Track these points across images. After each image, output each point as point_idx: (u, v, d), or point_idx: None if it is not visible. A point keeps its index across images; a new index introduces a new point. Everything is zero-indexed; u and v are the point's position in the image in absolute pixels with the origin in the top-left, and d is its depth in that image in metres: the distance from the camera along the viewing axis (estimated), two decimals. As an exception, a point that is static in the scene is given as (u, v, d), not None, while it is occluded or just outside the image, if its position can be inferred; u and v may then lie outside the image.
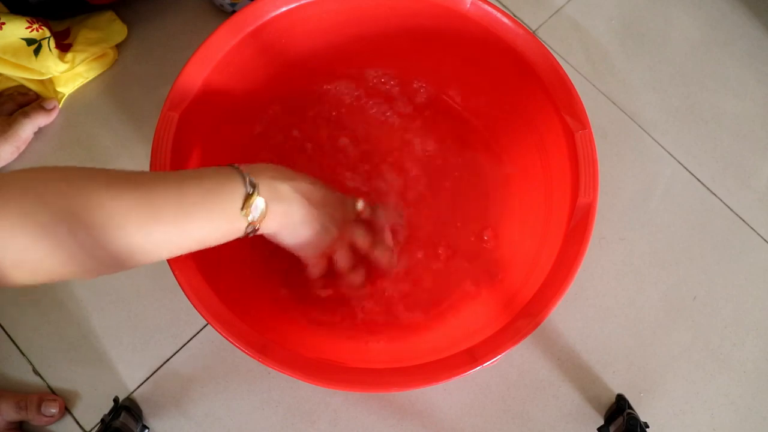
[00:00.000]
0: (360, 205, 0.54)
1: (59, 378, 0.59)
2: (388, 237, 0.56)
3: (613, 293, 0.63)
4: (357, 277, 0.55)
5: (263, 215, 0.43)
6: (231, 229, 0.43)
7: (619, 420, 0.55)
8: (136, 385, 0.59)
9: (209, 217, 0.41)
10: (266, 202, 0.43)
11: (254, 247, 0.60)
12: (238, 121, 0.61)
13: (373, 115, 0.65)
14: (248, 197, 0.42)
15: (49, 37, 0.63)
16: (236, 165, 0.44)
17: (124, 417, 0.54)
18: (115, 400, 0.56)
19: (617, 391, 0.60)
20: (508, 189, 0.63)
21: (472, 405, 0.59)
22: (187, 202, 0.39)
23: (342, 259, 0.53)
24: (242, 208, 0.42)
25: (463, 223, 0.62)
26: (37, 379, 0.59)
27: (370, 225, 0.55)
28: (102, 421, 0.55)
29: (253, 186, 0.43)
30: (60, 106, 0.67)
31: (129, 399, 0.58)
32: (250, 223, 0.43)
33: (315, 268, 0.52)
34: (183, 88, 0.52)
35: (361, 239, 0.53)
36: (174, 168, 0.50)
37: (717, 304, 0.63)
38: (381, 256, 0.55)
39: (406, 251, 0.61)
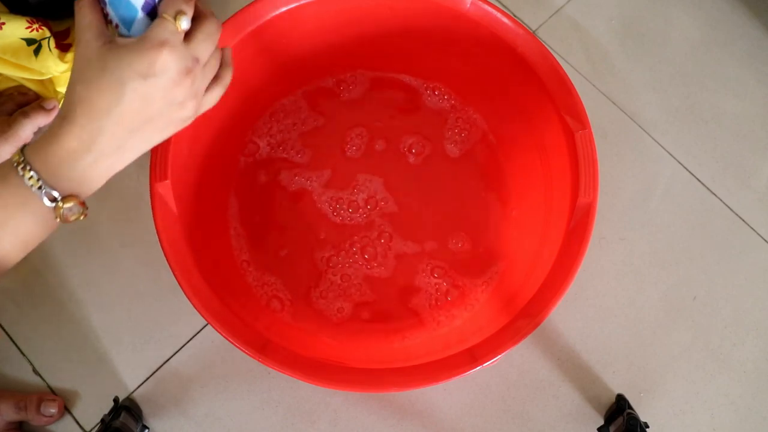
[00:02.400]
0: (184, 22, 0.38)
1: (59, 378, 0.59)
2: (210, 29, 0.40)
3: (613, 293, 0.63)
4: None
5: (81, 210, 0.39)
6: (44, 228, 0.40)
7: (619, 420, 0.55)
8: (136, 385, 0.58)
9: (13, 230, 0.38)
10: (77, 195, 0.38)
11: (254, 246, 0.60)
12: (238, 121, 0.61)
13: (373, 114, 0.65)
14: (57, 209, 0.38)
15: (49, 37, 0.63)
16: (22, 166, 0.37)
17: (124, 417, 0.54)
18: (115, 400, 0.56)
19: (617, 391, 0.60)
20: (508, 189, 0.63)
21: (472, 405, 0.59)
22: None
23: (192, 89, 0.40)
24: (57, 218, 0.38)
25: (461, 223, 0.62)
26: (37, 379, 0.59)
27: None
28: (102, 421, 0.55)
29: (54, 199, 0.37)
30: (60, 106, 0.67)
31: (129, 399, 0.58)
32: (78, 216, 0.39)
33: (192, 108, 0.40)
34: (183, 88, 0.52)
35: (213, 44, 0.40)
36: (175, 168, 0.50)
37: (717, 304, 0.63)
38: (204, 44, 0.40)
39: (406, 251, 0.61)
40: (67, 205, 0.37)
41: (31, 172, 0.37)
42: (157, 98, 0.37)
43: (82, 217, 0.39)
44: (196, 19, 0.39)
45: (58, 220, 0.38)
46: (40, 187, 0.37)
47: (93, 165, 0.38)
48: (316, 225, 0.61)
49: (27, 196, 0.37)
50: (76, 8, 0.39)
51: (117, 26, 0.39)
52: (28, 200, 0.37)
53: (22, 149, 0.38)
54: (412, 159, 0.64)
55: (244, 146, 0.63)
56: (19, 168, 0.37)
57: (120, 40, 0.37)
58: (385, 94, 0.66)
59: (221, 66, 0.42)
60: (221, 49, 0.43)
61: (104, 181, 0.40)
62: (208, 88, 0.41)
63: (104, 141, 0.37)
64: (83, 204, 0.39)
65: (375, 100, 0.66)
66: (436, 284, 0.60)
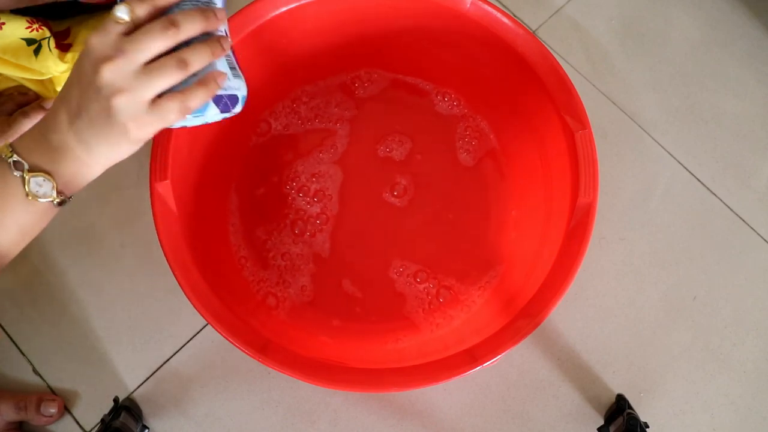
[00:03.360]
0: (121, 12, 0.38)
1: (59, 378, 0.59)
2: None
3: (613, 293, 0.63)
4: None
5: (54, 185, 0.38)
6: (37, 214, 0.39)
7: (619, 420, 0.55)
8: (136, 385, 0.58)
9: (5, 215, 0.38)
10: (47, 172, 0.38)
11: (252, 244, 0.60)
12: (238, 120, 0.60)
13: (373, 114, 0.65)
14: (23, 181, 0.37)
15: (49, 37, 0.63)
16: (4, 148, 0.39)
17: (124, 417, 0.54)
18: (115, 400, 0.56)
19: (617, 391, 0.60)
20: (508, 189, 0.63)
21: (472, 405, 0.59)
22: None
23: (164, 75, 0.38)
24: (26, 195, 0.38)
25: (461, 222, 0.62)
26: (37, 379, 0.59)
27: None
28: (102, 421, 0.55)
29: (20, 168, 0.37)
30: (60, 106, 0.67)
31: (129, 399, 0.58)
32: (50, 200, 0.38)
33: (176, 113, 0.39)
34: (183, 88, 0.52)
35: (150, 44, 0.38)
36: (175, 168, 0.50)
37: (717, 304, 0.63)
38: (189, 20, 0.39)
39: (404, 250, 0.61)
40: (35, 177, 0.38)
41: (11, 151, 0.38)
42: (84, 83, 0.37)
43: (56, 200, 0.39)
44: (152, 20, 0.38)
45: (29, 197, 0.38)
46: (10, 157, 0.38)
47: (60, 146, 0.38)
48: (312, 223, 0.61)
49: (17, 183, 0.38)
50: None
51: None
52: (11, 180, 0.38)
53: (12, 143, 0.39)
54: (409, 159, 0.64)
55: (244, 145, 0.63)
56: (3, 152, 0.38)
57: None
58: (384, 93, 0.66)
59: (196, 83, 0.39)
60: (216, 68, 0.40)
61: (79, 175, 0.39)
62: (164, 97, 0.38)
63: (61, 121, 0.38)
64: (63, 192, 0.39)
65: (374, 98, 0.66)
66: (435, 283, 0.60)
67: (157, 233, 0.47)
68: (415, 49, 0.62)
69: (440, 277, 0.60)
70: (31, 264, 0.62)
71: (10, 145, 0.39)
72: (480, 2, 0.55)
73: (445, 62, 0.62)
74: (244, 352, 0.45)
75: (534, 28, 0.74)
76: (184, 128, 0.52)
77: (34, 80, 0.66)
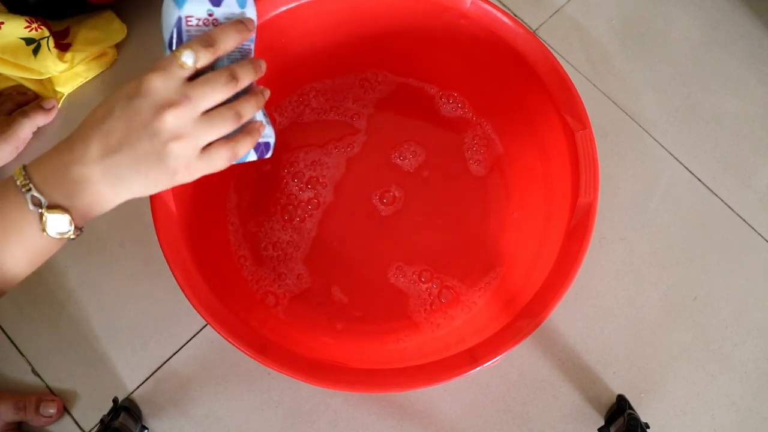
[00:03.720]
0: (187, 58, 0.38)
1: (58, 378, 0.58)
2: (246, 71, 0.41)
3: (613, 293, 0.63)
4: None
5: (70, 222, 0.38)
6: (49, 245, 0.38)
7: (620, 420, 0.55)
8: (136, 386, 0.58)
9: (13, 252, 0.37)
10: (65, 208, 0.37)
11: (250, 242, 0.60)
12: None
13: (372, 112, 0.65)
14: (40, 217, 0.37)
15: (48, 37, 0.63)
16: (18, 173, 0.38)
17: (123, 417, 0.54)
18: (115, 400, 0.56)
19: (618, 391, 0.59)
20: (508, 189, 0.63)
21: (472, 405, 0.59)
22: None
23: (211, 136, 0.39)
24: (41, 231, 0.37)
25: (462, 223, 0.62)
26: (36, 379, 0.58)
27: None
28: (101, 421, 0.55)
29: (38, 204, 0.37)
30: (59, 105, 0.67)
31: (128, 399, 0.58)
32: (62, 234, 0.38)
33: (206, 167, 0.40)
34: (182, 88, 0.51)
35: (214, 93, 0.39)
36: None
37: (717, 304, 0.63)
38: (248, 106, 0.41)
39: (403, 250, 0.61)
40: (53, 215, 0.37)
41: (27, 180, 0.37)
42: (137, 122, 0.37)
43: (72, 235, 0.38)
44: (215, 69, 0.40)
45: (44, 231, 0.37)
46: (28, 190, 0.37)
47: (82, 179, 0.37)
48: (310, 222, 0.61)
49: (33, 217, 0.37)
50: None
51: None
52: (28, 214, 0.37)
53: (25, 165, 0.38)
54: (409, 159, 0.64)
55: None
56: (18, 179, 0.37)
57: None
58: (384, 93, 0.66)
59: (243, 133, 0.41)
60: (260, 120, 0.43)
61: (95, 207, 0.39)
62: (214, 145, 0.40)
63: (92, 153, 0.37)
64: (77, 226, 0.38)
65: (373, 98, 0.66)
66: (435, 283, 0.60)
67: (157, 233, 0.47)
68: (413, 48, 0.61)
69: (443, 277, 0.60)
70: (30, 264, 0.62)
71: (25, 170, 0.38)
72: (480, 2, 0.54)
73: (445, 62, 0.62)
74: (243, 352, 0.45)
75: (534, 28, 0.74)
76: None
77: (33, 80, 0.66)
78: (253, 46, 0.44)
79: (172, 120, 0.37)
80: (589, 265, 0.63)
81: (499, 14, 0.54)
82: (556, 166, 0.55)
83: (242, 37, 0.41)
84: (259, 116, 0.45)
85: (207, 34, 0.40)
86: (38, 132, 0.66)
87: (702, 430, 0.59)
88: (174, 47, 0.41)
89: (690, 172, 0.68)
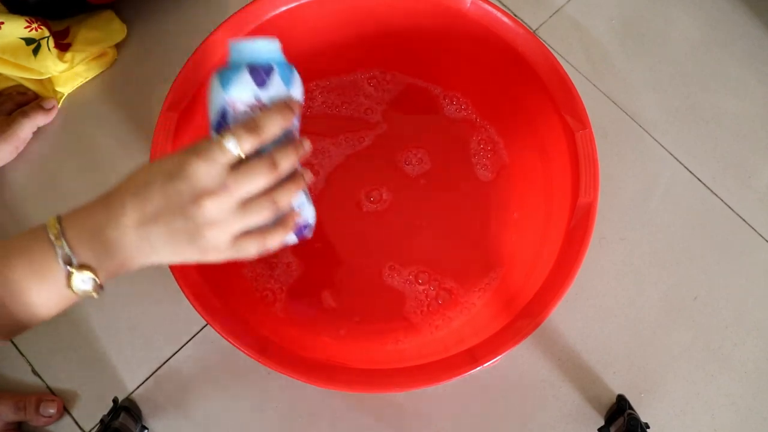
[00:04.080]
0: (231, 145, 0.38)
1: (58, 378, 0.58)
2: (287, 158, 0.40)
3: (613, 293, 0.63)
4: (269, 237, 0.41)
5: (96, 282, 0.38)
6: (72, 299, 0.39)
7: (620, 420, 0.55)
8: (136, 386, 0.58)
9: (39, 296, 0.37)
10: (93, 268, 0.37)
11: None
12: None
13: (372, 112, 0.65)
14: (68, 274, 0.37)
15: (48, 37, 0.63)
16: (52, 226, 0.38)
17: (123, 417, 0.54)
18: (115, 400, 0.56)
19: (618, 391, 0.59)
20: (508, 189, 0.63)
21: (472, 405, 0.59)
22: (13, 282, 0.37)
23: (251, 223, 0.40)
24: (67, 287, 0.37)
25: (462, 222, 0.62)
26: (36, 379, 0.58)
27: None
28: (101, 421, 0.55)
29: (68, 261, 0.37)
30: (59, 105, 0.67)
31: (128, 399, 0.58)
32: (86, 292, 0.38)
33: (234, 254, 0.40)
34: (182, 88, 0.52)
35: (253, 183, 0.39)
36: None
37: (717, 304, 0.63)
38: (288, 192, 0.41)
39: (404, 251, 0.61)
40: (81, 274, 0.37)
41: (60, 234, 0.37)
42: (175, 202, 0.37)
43: (94, 294, 0.38)
44: (258, 156, 0.39)
45: (70, 289, 0.37)
46: (61, 245, 0.37)
47: (114, 242, 0.38)
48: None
49: (61, 271, 0.37)
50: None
51: None
52: (56, 266, 0.37)
53: (60, 216, 0.38)
54: (409, 159, 0.64)
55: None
56: (51, 231, 0.37)
57: None
58: (384, 93, 0.66)
59: (277, 224, 0.41)
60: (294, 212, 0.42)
61: (122, 269, 0.39)
62: (246, 236, 0.40)
63: (128, 219, 0.37)
64: (99, 284, 0.38)
65: (374, 98, 0.66)
66: (435, 283, 0.60)
67: (157, 233, 0.47)
68: (413, 48, 0.61)
69: (440, 279, 0.60)
70: (30, 264, 0.62)
71: (59, 223, 0.38)
72: (480, 1, 0.55)
73: (445, 61, 0.62)
74: (243, 352, 0.45)
75: (534, 28, 0.74)
76: (183, 128, 0.52)
77: (33, 80, 0.66)
78: (297, 125, 0.44)
79: (209, 208, 0.37)
80: (589, 265, 0.63)
81: (499, 14, 0.55)
82: (556, 166, 0.55)
83: (287, 121, 0.40)
84: (300, 199, 0.44)
85: (252, 120, 0.39)
86: (38, 132, 0.66)
87: (702, 430, 0.59)
88: (219, 130, 0.41)
89: (690, 172, 0.68)
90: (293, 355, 0.47)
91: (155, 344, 0.59)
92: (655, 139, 0.69)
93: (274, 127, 0.40)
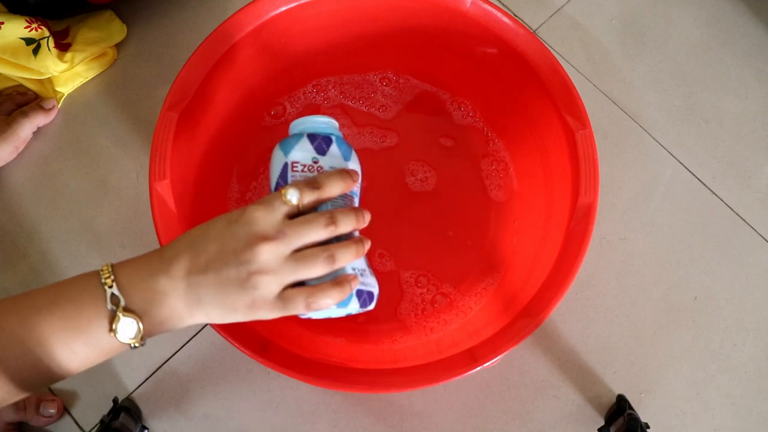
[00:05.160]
0: (291, 195, 0.39)
1: (58, 378, 0.58)
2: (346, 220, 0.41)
3: (613, 293, 0.63)
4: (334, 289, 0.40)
5: (140, 330, 0.36)
6: (109, 350, 0.37)
7: (620, 420, 0.55)
8: (136, 386, 0.58)
9: (76, 345, 0.36)
10: (139, 315, 0.36)
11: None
12: (239, 120, 0.60)
13: (372, 113, 0.65)
14: (113, 317, 0.36)
15: (48, 37, 0.63)
16: (105, 270, 0.37)
17: (123, 417, 0.54)
18: (115, 400, 0.56)
19: (618, 391, 0.59)
20: (508, 191, 0.63)
21: (472, 405, 0.59)
22: (56, 331, 0.35)
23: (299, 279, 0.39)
24: (110, 331, 0.36)
25: (462, 222, 0.62)
26: (36, 379, 0.58)
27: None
28: (101, 421, 0.55)
29: (116, 303, 0.36)
30: (59, 105, 0.67)
31: (128, 399, 0.58)
32: (130, 343, 0.37)
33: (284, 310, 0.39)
34: (183, 88, 0.52)
35: (311, 233, 0.39)
36: (174, 167, 0.50)
37: (718, 304, 0.63)
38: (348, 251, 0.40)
39: (405, 251, 0.61)
40: (126, 318, 0.36)
41: (112, 277, 0.37)
42: (229, 247, 0.37)
43: (135, 343, 0.37)
44: (317, 211, 0.40)
45: (113, 334, 0.36)
46: (110, 286, 0.36)
47: (165, 291, 0.37)
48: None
49: (105, 315, 0.36)
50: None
51: None
52: (102, 312, 0.36)
53: (113, 264, 0.38)
54: (408, 160, 0.64)
55: (245, 145, 0.63)
56: (104, 274, 0.37)
57: None
58: (384, 93, 0.66)
59: (331, 282, 0.39)
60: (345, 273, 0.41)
61: (168, 323, 0.38)
62: (294, 289, 0.38)
63: (179, 268, 0.37)
64: (144, 337, 0.37)
65: (374, 98, 0.66)
66: (435, 283, 0.60)
67: (157, 234, 0.47)
68: (413, 48, 0.61)
69: (438, 283, 0.60)
70: (30, 264, 0.62)
71: (112, 268, 0.37)
72: (480, 2, 0.54)
73: (445, 62, 0.62)
74: (243, 352, 0.45)
75: (534, 28, 0.74)
76: (183, 128, 0.52)
77: (33, 80, 0.66)
78: (357, 198, 0.45)
79: (262, 252, 0.37)
80: (590, 265, 0.63)
81: (499, 14, 0.54)
82: (556, 166, 0.55)
83: (346, 185, 0.41)
84: (361, 265, 0.43)
85: (313, 177, 0.41)
86: (38, 132, 0.66)
87: (702, 430, 0.59)
88: (276, 185, 0.43)
89: (690, 172, 0.68)
90: (293, 355, 0.47)
91: (155, 344, 0.59)
92: (655, 139, 0.69)
93: (334, 187, 0.41)
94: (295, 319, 0.58)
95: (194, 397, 0.58)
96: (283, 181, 0.43)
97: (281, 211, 0.39)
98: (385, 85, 0.66)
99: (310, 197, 0.40)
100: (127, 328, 0.36)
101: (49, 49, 0.63)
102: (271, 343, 0.47)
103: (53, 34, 0.64)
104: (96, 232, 0.63)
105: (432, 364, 0.47)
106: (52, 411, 0.56)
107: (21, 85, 0.67)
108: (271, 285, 0.37)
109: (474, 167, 0.63)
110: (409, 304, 0.59)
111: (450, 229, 0.62)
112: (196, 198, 0.54)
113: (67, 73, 0.66)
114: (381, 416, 0.58)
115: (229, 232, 0.37)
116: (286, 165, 0.43)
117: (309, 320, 0.58)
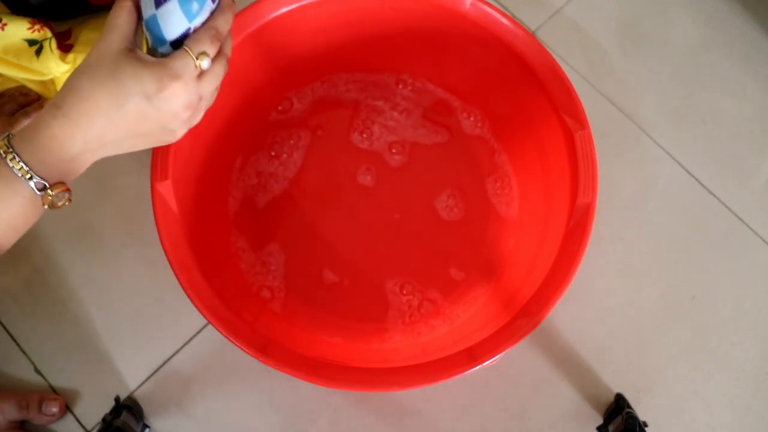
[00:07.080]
0: (205, 63, 0.40)
1: (60, 377, 0.59)
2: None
3: (612, 293, 0.63)
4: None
5: (66, 192, 0.38)
6: (34, 212, 0.38)
7: (618, 419, 0.55)
8: (138, 384, 0.59)
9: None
10: (66, 185, 0.38)
11: (253, 247, 0.61)
12: (239, 120, 0.61)
13: (372, 113, 0.65)
14: (45, 197, 0.37)
15: (50, 38, 0.63)
16: (2, 144, 0.37)
17: (125, 416, 0.54)
18: (117, 399, 0.57)
19: (616, 390, 0.60)
20: (508, 191, 0.63)
21: (471, 404, 0.59)
22: None
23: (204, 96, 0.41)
24: (45, 206, 0.37)
25: (462, 222, 0.62)
26: (38, 378, 0.59)
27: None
28: (103, 420, 0.55)
29: (44, 187, 0.37)
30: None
31: (130, 398, 0.58)
32: (65, 202, 0.38)
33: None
34: (184, 89, 0.52)
35: (217, 81, 0.41)
36: (176, 168, 0.50)
37: (715, 303, 0.63)
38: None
39: (404, 252, 0.61)
40: (56, 191, 0.37)
41: (21, 163, 0.36)
42: (153, 120, 0.38)
43: (68, 203, 0.39)
44: (213, 58, 0.40)
45: (47, 206, 0.38)
46: (30, 177, 0.37)
47: (80, 156, 0.38)
48: (304, 222, 0.62)
49: (15, 182, 0.37)
50: (115, 5, 0.40)
51: (147, 39, 0.41)
52: (16, 187, 0.37)
53: (8, 138, 0.38)
54: (408, 159, 0.64)
55: (245, 146, 0.63)
56: (8, 158, 0.37)
57: (141, 53, 0.38)
58: (384, 93, 0.66)
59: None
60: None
61: (80, 172, 0.40)
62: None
63: (93, 138, 0.38)
64: (68, 189, 0.38)
65: (373, 97, 0.66)
66: (435, 284, 0.60)
67: (158, 233, 0.48)
68: (413, 49, 0.62)
69: (424, 290, 0.60)
70: (33, 263, 0.62)
71: (20, 160, 0.37)
72: (480, 3, 0.55)
73: (444, 62, 0.62)
74: (244, 351, 0.46)
75: (533, 29, 0.74)
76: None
77: (36, 81, 0.67)
78: None
79: (188, 117, 0.40)
80: (588, 265, 0.63)
81: (498, 15, 0.55)
82: (555, 167, 0.55)
83: (232, 15, 0.41)
84: None
85: (212, 28, 0.40)
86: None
87: (700, 428, 0.60)
88: (173, 40, 0.40)
89: (688, 172, 0.69)
90: (293, 354, 0.47)
91: (156, 343, 0.60)
92: (654, 140, 0.70)
93: (227, 26, 0.41)
94: (295, 321, 0.58)
95: (195, 396, 0.58)
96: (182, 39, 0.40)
97: (194, 75, 0.39)
98: (402, 88, 0.66)
99: (214, 50, 0.40)
100: (58, 199, 0.37)
101: (51, 51, 0.63)
102: (271, 342, 0.47)
103: (56, 35, 0.65)
104: (98, 232, 0.63)
105: (432, 362, 0.47)
106: (55, 410, 0.56)
107: (23, 86, 0.67)
108: (183, 126, 0.41)
109: (474, 167, 0.64)
110: (396, 311, 0.59)
111: (447, 227, 0.62)
112: (196, 198, 0.54)
113: (70, 74, 0.67)
114: (381, 415, 0.58)
115: (153, 108, 0.38)
116: (188, 30, 0.40)
117: (309, 320, 0.58)
